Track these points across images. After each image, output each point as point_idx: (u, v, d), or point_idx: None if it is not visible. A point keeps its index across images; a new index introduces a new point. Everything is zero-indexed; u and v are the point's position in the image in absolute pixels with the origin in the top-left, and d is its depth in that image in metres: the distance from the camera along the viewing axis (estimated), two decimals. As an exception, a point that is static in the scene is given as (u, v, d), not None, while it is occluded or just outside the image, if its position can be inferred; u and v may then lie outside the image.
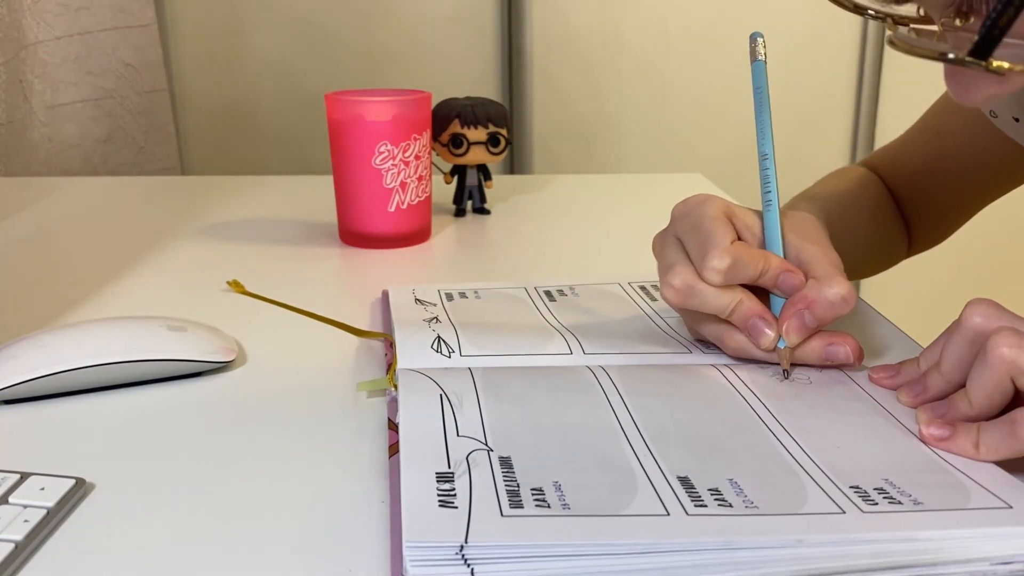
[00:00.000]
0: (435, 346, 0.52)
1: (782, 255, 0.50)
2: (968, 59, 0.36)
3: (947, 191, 0.73)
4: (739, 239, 0.51)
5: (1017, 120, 0.62)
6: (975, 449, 0.41)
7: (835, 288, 0.48)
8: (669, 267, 0.50)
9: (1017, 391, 0.41)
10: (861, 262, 0.70)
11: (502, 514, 0.35)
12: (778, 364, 0.50)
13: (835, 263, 0.50)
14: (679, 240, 0.51)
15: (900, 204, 0.76)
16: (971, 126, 0.69)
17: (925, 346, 0.49)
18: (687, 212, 0.51)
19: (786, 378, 0.49)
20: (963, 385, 0.44)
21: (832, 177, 0.74)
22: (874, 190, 0.74)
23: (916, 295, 1.53)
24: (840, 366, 0.50)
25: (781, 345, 0.49)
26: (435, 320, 0.56)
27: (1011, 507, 0.36)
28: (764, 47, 0.55)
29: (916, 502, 0.36)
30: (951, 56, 0.37)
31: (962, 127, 0.70)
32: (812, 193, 0.68)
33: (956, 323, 0.45)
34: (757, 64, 0.54)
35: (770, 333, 0.49)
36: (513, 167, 1.59)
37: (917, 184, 0.74)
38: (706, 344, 0.54)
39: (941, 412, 0.43)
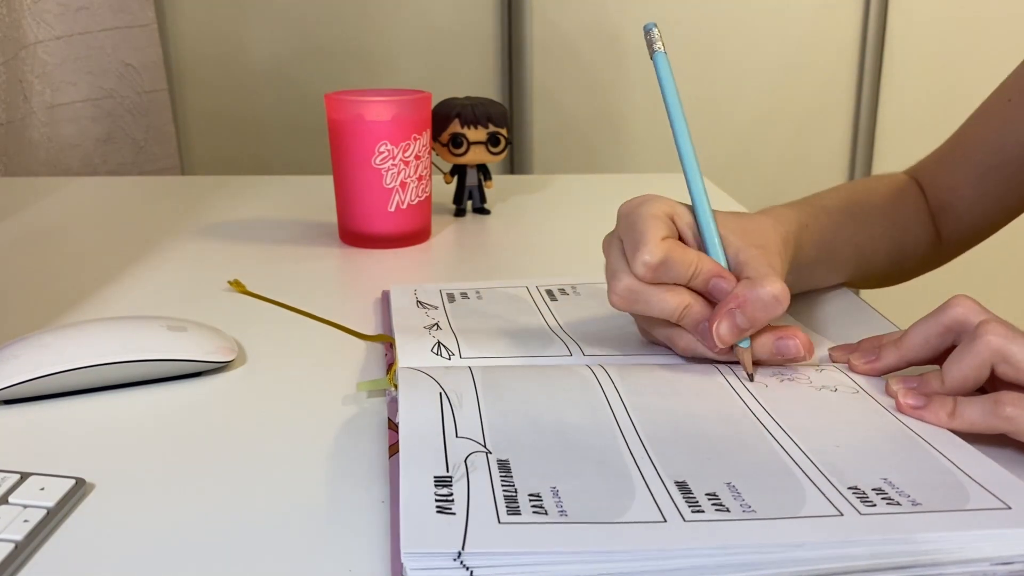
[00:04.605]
0: (435, 349, 0.52)
1: (722, 257, 0.50)
2: None
3: (1009, 178, 0.68)
4: (680, 239, 0.50)
5: None
6: (949, 418, 0.43)
7: (768, 287, 0.47)
8: (612, 273, 0.49)
9: (991, 377, 0.43)
10: (869, 269, 0.67)
11: (499, 521, 0.34)
12: (775, 365, 0.50)
13: (773, 265, 0.49)
14: (620, 241, 0.50)
15: (937, 210, 0.71)
16: None
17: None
18: (628, 212, 0.50)
19: (751, 380, 0.48)
20: (915, 363, 0.47)
21: (843, 184, 0.71)
22: (887, 193, 0.70)
23: (917, 298, 1.53)
24: (792, 360, 0.49)
25: (744, 345, 0.48)
26: (435, 327, 0.56)
27: (1010, 508, 0.36)
28: (661, 36, 0.52)
29: (915, 503, 0.36)
30: None
31: None
32: (803, 199, 0.66)
33: (937, 310, 0.47)
34: (658, 55, 0.52)
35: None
36: (513, 167, 1.59)
37: (974, 175, 0.69)
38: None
39: (913, 385, 0.46)
